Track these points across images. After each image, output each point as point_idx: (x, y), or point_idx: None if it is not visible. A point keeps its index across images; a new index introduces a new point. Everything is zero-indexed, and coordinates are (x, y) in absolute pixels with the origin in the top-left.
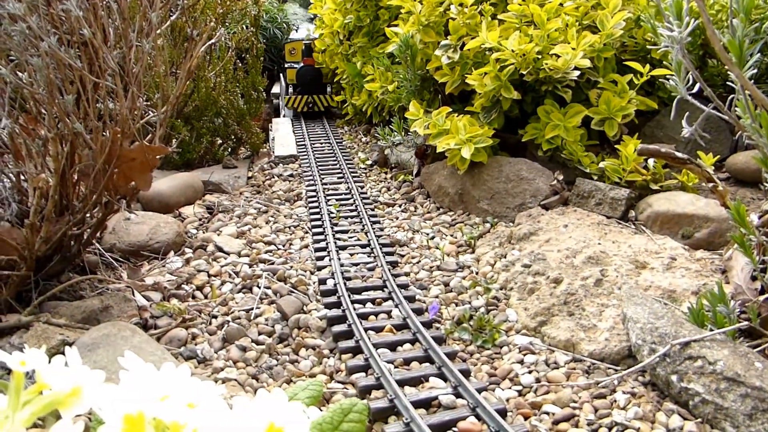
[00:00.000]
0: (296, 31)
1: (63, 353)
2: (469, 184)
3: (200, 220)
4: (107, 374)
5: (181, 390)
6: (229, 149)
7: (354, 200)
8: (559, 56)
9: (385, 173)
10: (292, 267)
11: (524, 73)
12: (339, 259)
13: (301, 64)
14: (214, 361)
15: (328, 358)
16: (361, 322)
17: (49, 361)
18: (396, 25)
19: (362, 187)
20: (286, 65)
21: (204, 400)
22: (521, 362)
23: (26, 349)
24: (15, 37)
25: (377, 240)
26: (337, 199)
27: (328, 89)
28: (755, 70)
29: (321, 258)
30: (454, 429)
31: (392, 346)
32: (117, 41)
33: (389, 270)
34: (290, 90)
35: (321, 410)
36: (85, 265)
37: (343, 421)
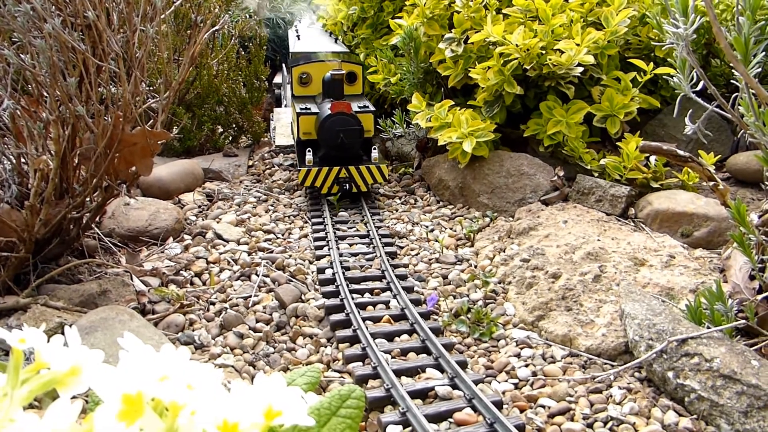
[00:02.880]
0: (297, 34)
1: (62, 335)
2: (469, 177)
3: (200, 207)
4: (105, 358)
5: (180, 372)
6: (230, 137)
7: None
8: (563, 52)
9: (386, 165)
10: (291, 256)
11: (528, 68)
12: (338, 249)
13: (328, 111)
14: (211, 348)
15: (326, 347)
16: (359, 312)
17: (48, 341)
18: (400, 17)
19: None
20: (292, 99)
21: (203, 383)
22: (518, 356)
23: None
24: (19, 18)
25: (377, 231)
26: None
27: (375, 150)
28: (759, 69)
29: (320, 248)
30: (450, 420)
31: (390, 336)
32: (121, 25)
33: (388, 261)
34: (307, 156)
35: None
36: (83, 249)
37: (341, 407)
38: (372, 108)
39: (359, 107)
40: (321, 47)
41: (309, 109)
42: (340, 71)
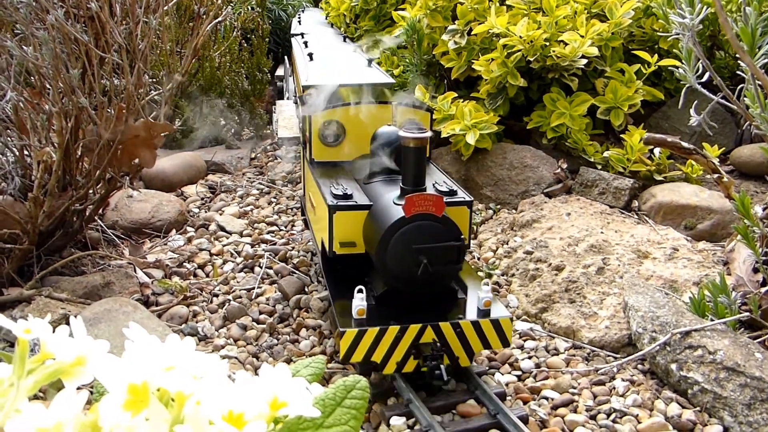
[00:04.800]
0: (307, 49)
1: (66, 326)
2: (472, 170)
3: (202, 199)
4: (109, 349)
5: (186, 362)
6: (233, 130)
7: None
8: (566, 44)
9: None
10: (293, 248)
11: (531, 60)
12: None
13: (398, 213)
14: (215, 339)
15: (328, 338)
16: None
17: (53, 333)
18: (403, 9)
19: None
20: (311, 165)
21: (208, 373)
22: (521, 348)
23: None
24: (21, 9)
25: None
26: None
27: (486, 283)
28: (766, 60)
29: None
30: (454, 411)
31: None
32: (124, 16)
33: None
34: (355, 300)
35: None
36: (87, 241)
37: (346, 397)
38: (467, 196)
39: (442, 191)
40: (349, 74)
41: (349, 196)
42: (421, 131)
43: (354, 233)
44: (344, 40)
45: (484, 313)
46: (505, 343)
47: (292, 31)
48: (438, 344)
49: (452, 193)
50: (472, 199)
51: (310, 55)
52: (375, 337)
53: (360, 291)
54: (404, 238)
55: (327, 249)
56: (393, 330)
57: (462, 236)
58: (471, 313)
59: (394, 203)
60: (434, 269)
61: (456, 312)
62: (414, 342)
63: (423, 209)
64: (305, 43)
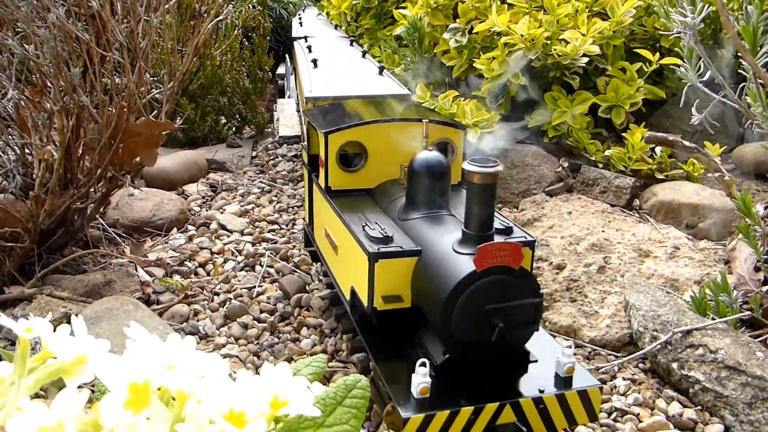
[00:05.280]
0: (311, 55)
1: (68, 324)
2: None
3: (203, 198)
4: (110, 347)
5: (187, 361)
6: (234, 128)
7: None
8: (568, 42)
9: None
10: (295, 246)
11: (532, 58)
12: None
13: (466, 267)
14: (215, 338)
15: (329, 337)
16: None
17: (54, 331)
18: (404, 7)
19: None
20: (323, 193)
21: (210, 372)
22: None
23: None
24: (22, 7)
25: None
26: None
27: (568, 348)
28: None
29: None
30: None
31: None
32: (125, 15)
33: None
34: (416, 376)
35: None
36: (88, 240)
37: (347, 396)
38: (527, 234)
39: (499, 230)
40: (360, 84)
41: (390, 238)
42: (493, 165)
43: (400, 285)
44: (351, 44)
45: (566, 381)
46: (593, 416)
47: (294, 34)
48: (521, 428)
49: (508, 230)
50: (534, 238)
51: (314, 61)
52: (444, 423)
53: (423, 365)
54: (475, 298)
55: (365, 304)
56: (465, 412)
57: (541, 290)
58: (550, 383)
59: (456, 251)
60: (510, 333)
61: (533, 382)
62: (490, 424)
63: (498, 261)
64: (308, 47)
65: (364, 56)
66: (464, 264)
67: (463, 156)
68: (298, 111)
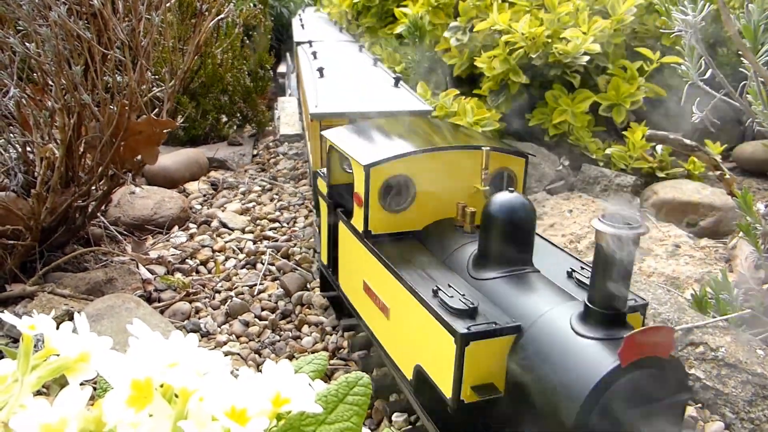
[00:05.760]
0: (317, 65)
1: (70, 322)
2: None
3: (205, 196)
4: (112, 345)
5: (189, 358)
6: (235, 126)
7: None
8: (569, 41)
9: None
10: (296, 244)
11: (533, 56)
12: None
13: (610, 361)
14: (217, 335)
15: (331, 335)
16: None
17: (57, 329)
18: (405, 6)
19: None
20: (361, 238)
21: (212, 369)
22: None
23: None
24: (24, 6)
25: None
26: None
27: None
28: None
29: None
30: None
31: None
32: (126, 13)
33: None
34: None
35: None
36: (89, 238)
37: (348, 394)
38: (637, 297)
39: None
40: (376, 98)
41: (474, 310)
42: (636, 227)
43: (494, 371)
44: (360, 50)
45: None
46: None
47: (296, 38)
48: None
49: (642, 307)
50: (647, 301)
51: (321, 70)
52: None
53: None
54: (619, 400)
55: (445, 395)
56: None
57: (690, 382)
58: None
59: (578, 333)
60: None
61: None
62: None
63: (648, 352)
64: (314, 53)
65: (375, 64)
66: (601, 355)
67: (523, 188)
68: (300, 114)
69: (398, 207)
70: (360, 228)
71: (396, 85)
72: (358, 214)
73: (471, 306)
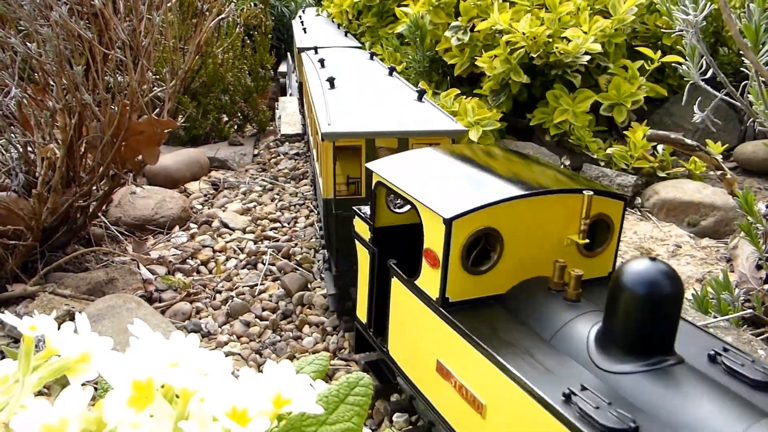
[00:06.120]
0: (327, 77)
1: (71, 322)
2: None
3: (205, 195)
4: (113, 345)
5: (190, 358)
6: (236, 126)
7: None
8: (570, 40)
9: None
10: (297, 244)
11: (534, 56)
12: None
13: None
14: (218, 336)
15: (332, 335)
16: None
17: (58, 329)
18: (406, 5)
19: None
20: (460, 330)
21: (213, 370)
22: None
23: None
24: (25, 6)
25: None
26: None
27: None
28: None
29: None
30: None
31: None
32: (127, 13)
33: None
34: None
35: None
36: (90, 238)
37: (349, 394)
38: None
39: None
40: (402, 116)
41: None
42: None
43: None
44: (371, 58)
45: None
46: None
47: (298, 42)
48: None
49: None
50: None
51: (331, 81)
52: None
53: None
54: None
55: None
56: None
57: None
58: None
59: None
60: None
61: None
62: None
63: None
64: (321, 61)
65: (391, 74)
66: None
67: (618, 239)
68: (303, 115)
69: (484, 267)
70: (433, 294)
71: (420, 99)
72: (430, 276)
73: (631, 427)
